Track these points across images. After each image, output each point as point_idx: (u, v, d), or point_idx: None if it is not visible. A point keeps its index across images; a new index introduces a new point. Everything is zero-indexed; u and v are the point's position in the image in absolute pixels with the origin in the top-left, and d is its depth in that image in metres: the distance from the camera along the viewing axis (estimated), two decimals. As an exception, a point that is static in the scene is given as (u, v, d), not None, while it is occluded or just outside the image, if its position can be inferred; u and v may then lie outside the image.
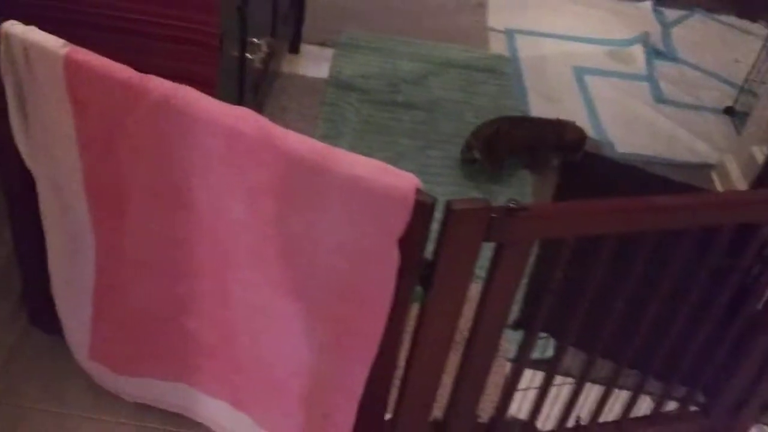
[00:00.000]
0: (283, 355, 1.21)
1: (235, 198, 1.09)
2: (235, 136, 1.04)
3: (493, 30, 3.13)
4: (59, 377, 1.54)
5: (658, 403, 1.51)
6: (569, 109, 2.70)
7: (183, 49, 1.34)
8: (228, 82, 1.59)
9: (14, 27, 1.14)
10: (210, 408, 1.41)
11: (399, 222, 0.99)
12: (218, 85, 1.38)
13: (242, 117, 1.04)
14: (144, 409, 1.50)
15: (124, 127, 1.13)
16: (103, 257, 1.31)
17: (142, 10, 1.32)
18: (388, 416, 1.29)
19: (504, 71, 2.83)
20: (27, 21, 1.15)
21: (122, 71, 1.10)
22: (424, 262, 1.06)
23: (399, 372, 1.23)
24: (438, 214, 1.03)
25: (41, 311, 1.55)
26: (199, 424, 1.47)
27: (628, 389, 1.49)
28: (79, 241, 1.32)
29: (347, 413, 1.22)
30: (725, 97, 2.93)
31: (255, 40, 1.75)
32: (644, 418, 1.52)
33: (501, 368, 1.70)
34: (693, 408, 1.58)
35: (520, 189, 2.29)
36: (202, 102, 1.06)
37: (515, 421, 1.49)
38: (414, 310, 1.14)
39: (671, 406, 1.55)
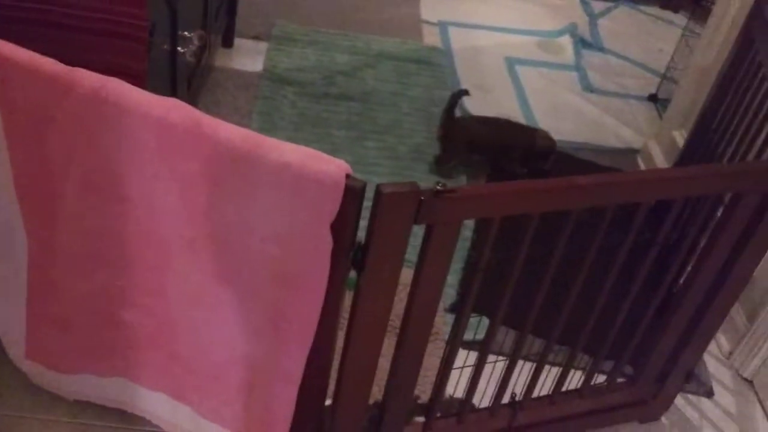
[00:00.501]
0: (221, 343, 1.22)
1: (168, 188, 1.10)
2: (166, 126, 1.04)
3: (427, 22, 3.17)
4: (-5, 378, 1.52)
5: (588, 376, 1.58)
6: (501, 99, 2.78)
7: (112, 43, 1.34)
8: (159, 76, 1.59)
9: (-66, 21, 1.12)
10: (150, 401, 1.42)
11: (330, 207, 1.02)
12: (149, 79, 1.38)
13: (172, 107, 1.05)
14: (84, 406, 1.49)
15: (53, 121, 1.12)
16: (36, 254, 1.30)
17: (70, 4, 1.30)
18: (328, 402, 1.32)
19: (438, 62, 2.88)
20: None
21: (49, 65, 1.09)
22: (356, 245, 1.09)
23: (337, 357, 1.25)
24: (369, 202, 1.06)
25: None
26: (139, 418, 1.47)
27: (558, 365, 1.55)
28: (10, 239, 1.30)
29: (287, 400, 1.24)
30: (649, 84, 3.05)
31: (186, 33, 1.75)
32: (575, 391, 1.59)
33: (440, 350, 1.74)
34: (620, 380, 1.65)
35: (457, 177, 2.34)
36: (131, 94, 1.07)
37: (453, 399, 1.53)
38: (349, 298, 1.17)
39: (600, 378, 1.62)
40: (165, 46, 1.60)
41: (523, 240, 1.22)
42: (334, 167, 1.01)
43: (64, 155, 1.16)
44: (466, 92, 2.37)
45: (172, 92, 1.73)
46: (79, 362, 1.41)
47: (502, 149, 2.37)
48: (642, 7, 3.75)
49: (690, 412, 1.80)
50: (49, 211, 1.23)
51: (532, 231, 1.19)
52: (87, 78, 1.08)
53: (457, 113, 2.64)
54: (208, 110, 1.07)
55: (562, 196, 1.18)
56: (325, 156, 1.03)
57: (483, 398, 1.52)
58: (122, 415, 1.48)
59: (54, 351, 1.42)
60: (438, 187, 1.07)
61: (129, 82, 1.08)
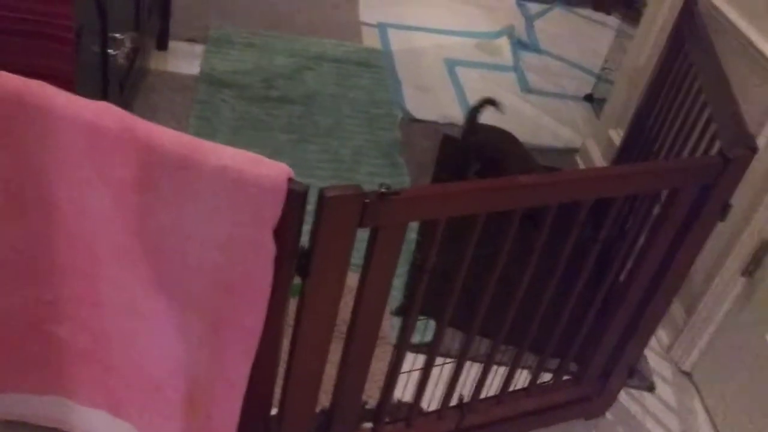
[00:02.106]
0: (159, 355, 1.17)
1: (99, 195, 1.05)
2: (96, 130, 1.00)
3: (366, 24, 3.17)
4: None
5: (534, 375, 1.59)
6: (442, 100, 2.78)
7: (37, 44, 1.28)
8: (89, 79, 1.53)
9: None
10: (87, 418, 1.35)
11: (272, 212, 0.99)
12: (77, 82, 1.32)
13: (102, 111, 1.00)
14: (15, 426, 1.41)
15: (-28, 127, 1.06)
16: (-42, 268, 1.23)
17: (-11, 4, 1.24)
18: (273, 411, 1.29)
19: (378, 64, 2.87)
20: None
21: (-33, 67, 1.03)
22: (300, 250, 1.07)
23: (282, 365, 1.22)
24: (312, 207, 1.04)
25: None
26: (76, 437, 1.41)
27: (505, 365, 1.55)
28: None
29: (231, 411, 1.20)
30: (585, 85, 3.11)
31: (117, 35, 1.69)
32: (522, 390, 1.59)
33: (387, 354, 1.72)
34: (566, 377, 1.66)
35: (400, 180, 2.33)
36: (58, 97, 1.01)
37: (401, 404, 1.52)
38: (294, 304, 1.14)
39: (546, 377, 1.63)
40: (94, 48, 1.54)
41: (469, 241, 1.21)
42: (275, 171, 0.98)
43: (-14, 163, 1.10)
44: (491, 102, 2.31)
45: (103, 96, 1.67)
46: (8, 380, 1.34)
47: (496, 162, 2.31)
48: (576, 9, 3.83)
49: (633, 407, 1.83)
50: (-28, 223, 1.17)
51: (477, 231, 1.19)
52: (9, 81, 1.02)
53: (398, 114, 2.64)
54: (143, 115, 1.03)
55: (506, 195, 1.17)
56: (265, 160, 1.00)
57: (431, 401, 1.51)
58: (57, 435, 1.42)
59: (-19, 370, 1.34)
60: (382, 190, 1.05)
61: (57, 85, 1.03)
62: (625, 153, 2.25)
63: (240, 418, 1.21)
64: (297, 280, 1.11)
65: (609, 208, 1.37)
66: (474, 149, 2.31)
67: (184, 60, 2.59)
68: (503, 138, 2.35)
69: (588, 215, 1.33)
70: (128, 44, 1.74)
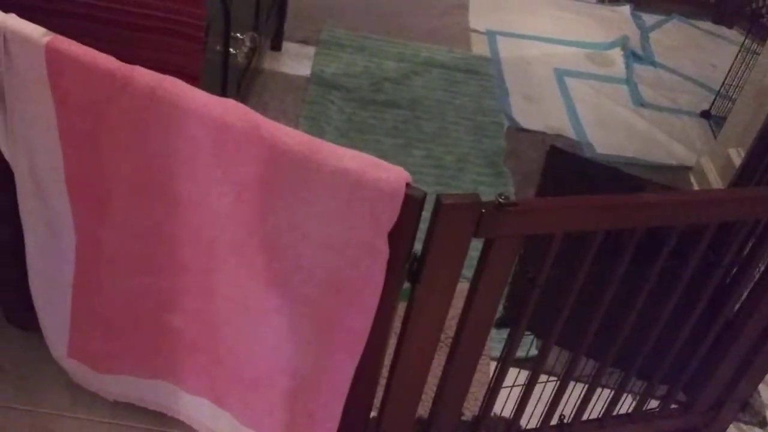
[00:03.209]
0: (267, 351, 1.19)
1: (221, 190, 1.07)
2: (223, 127, 1.02)
3: (475, 31, 3.14)
4: (36, 375, 1.51)
5: (640, 401, 1.52)
6: (550, 110, 2.72)
7: (167, 41, 1.32)
8: (211, 77, 1.57)
9: (-7, 14, 1.11)
10: (191, 406, 1.39)
11: (389, 216, 0.99)
12: (202, 79, 1.36)
13: (230, 108, 1.02)
14: (123, 407, 1.47)
15: (107, 118, 1.11)
16: (84, 252, 1.28)
17: (127, 0, 1.29)
18: (372, 414, 1.28)
19: (486, 72, 2.84)
20: (5, 9, 1.12)
21: (106, 61, 1.07)
22: (412, 257, 1.06)
23: (385, 370, 1.22)
24: (426, 213, 1.02)
25: (17, 308, 1.51)
26: (180, 423, 1.45)
27: (610, 388, 1.49)
28: (58, 236, 1.29)
29: (333, 411, 1.21)
30: (701, 100, 2.97)
31: (238, 35, 1.73)
32: (626, 415, 1.53)
33: (484, 366, 1.69)
34: (673, 406, 1.59)
35: (504, 189, 2.29)
36: (188, 93, 1.04)
37: (499, 419, 1.49)
38: (401, 308, 1.13)
39: (653, 404, 1.55)
40: (218, 47, 1.58)
41: (583, 257, 1.17)
42: (394, 175, 0.98)
43: (117, 153, 1.14)
44: None
45: (223, 94, 1.72)
46: (122, 363, 1.40)
47: None
48: (695, 22, 3.67)
49: (743, 443, 1.72)
50: (99, 209, 1.22)
51: (595, 248, 1.14)
52: (144, 76, 1.06)
53: (505, 123, 2.59)
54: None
55: (628, 213, 1.13)
56: (384, 163, 0.99)
57: (530, 418, 1.47)
58: (162, 418, 1.46)
59: (97, 351, 1.40)
60: (500, 200, 1.03)
61: (183, 81, 1.06)
62: (747, 174, 2.12)
63: (340, 418, 1.21)
64: (406, 285, 1.10)
65: (727, 232, 1.30)
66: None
67: (296, 61, 2.64)
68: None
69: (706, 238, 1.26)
70: (248, 44, 1.78)
